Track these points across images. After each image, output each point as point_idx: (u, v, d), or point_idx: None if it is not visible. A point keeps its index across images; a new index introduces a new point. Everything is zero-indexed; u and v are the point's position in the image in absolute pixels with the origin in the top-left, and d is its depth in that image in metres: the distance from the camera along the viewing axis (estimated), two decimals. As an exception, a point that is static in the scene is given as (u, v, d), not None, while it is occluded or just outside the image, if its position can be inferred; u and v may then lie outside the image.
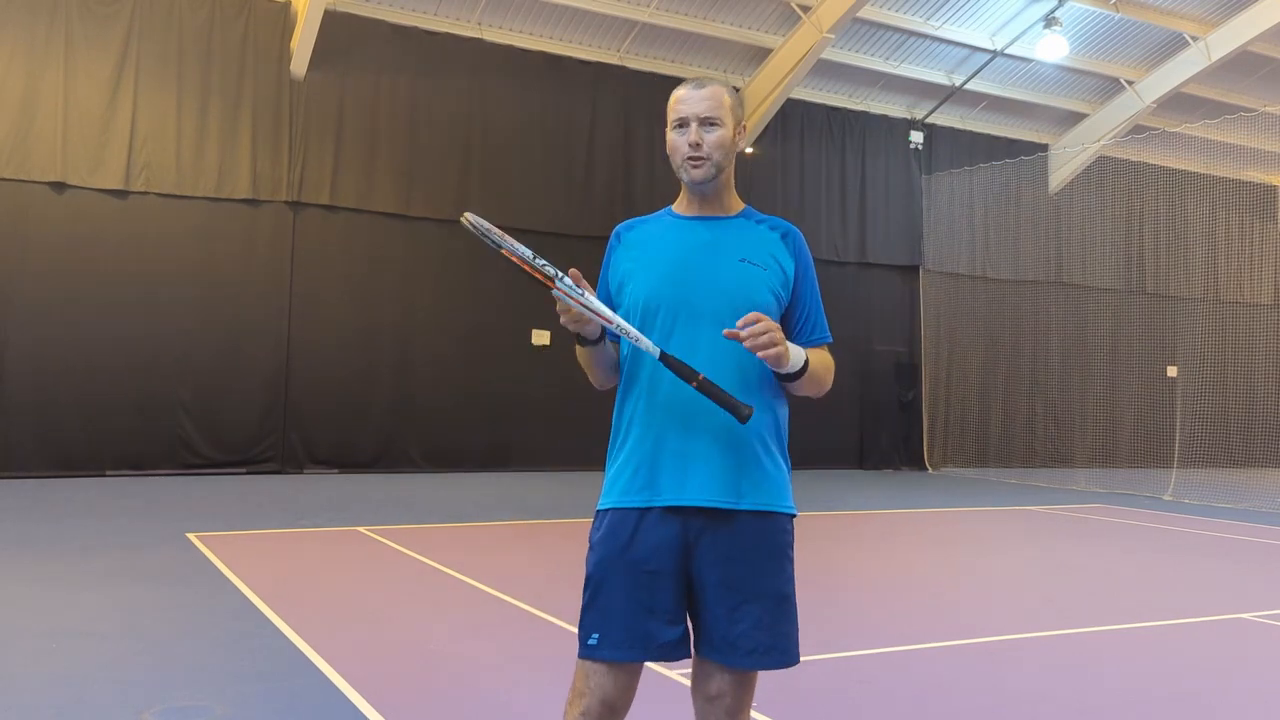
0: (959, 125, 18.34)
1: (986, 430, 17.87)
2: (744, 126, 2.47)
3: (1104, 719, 4.16)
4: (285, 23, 13.34)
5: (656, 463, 2.31)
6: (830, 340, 2.47)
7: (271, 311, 13.17)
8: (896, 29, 16.00)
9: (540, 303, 14.84)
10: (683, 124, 2.39)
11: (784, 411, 2.44)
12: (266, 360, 13.10)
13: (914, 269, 17.86)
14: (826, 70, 16.38)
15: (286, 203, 13.28)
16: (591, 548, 2.38)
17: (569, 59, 15.05)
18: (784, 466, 2.41)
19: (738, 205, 2.50)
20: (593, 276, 2.33)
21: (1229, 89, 18.30)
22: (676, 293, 2.33)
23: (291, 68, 13.24)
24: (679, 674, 4.24)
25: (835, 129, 17.19)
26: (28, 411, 11.84)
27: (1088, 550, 8.85)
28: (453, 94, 14.22)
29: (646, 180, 15.30)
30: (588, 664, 2.30)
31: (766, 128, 16.11)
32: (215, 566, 6.68)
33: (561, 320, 2.26)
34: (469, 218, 2.23)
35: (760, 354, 2.18)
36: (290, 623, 5.21)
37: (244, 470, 12.83)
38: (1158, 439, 17.50)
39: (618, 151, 15.28)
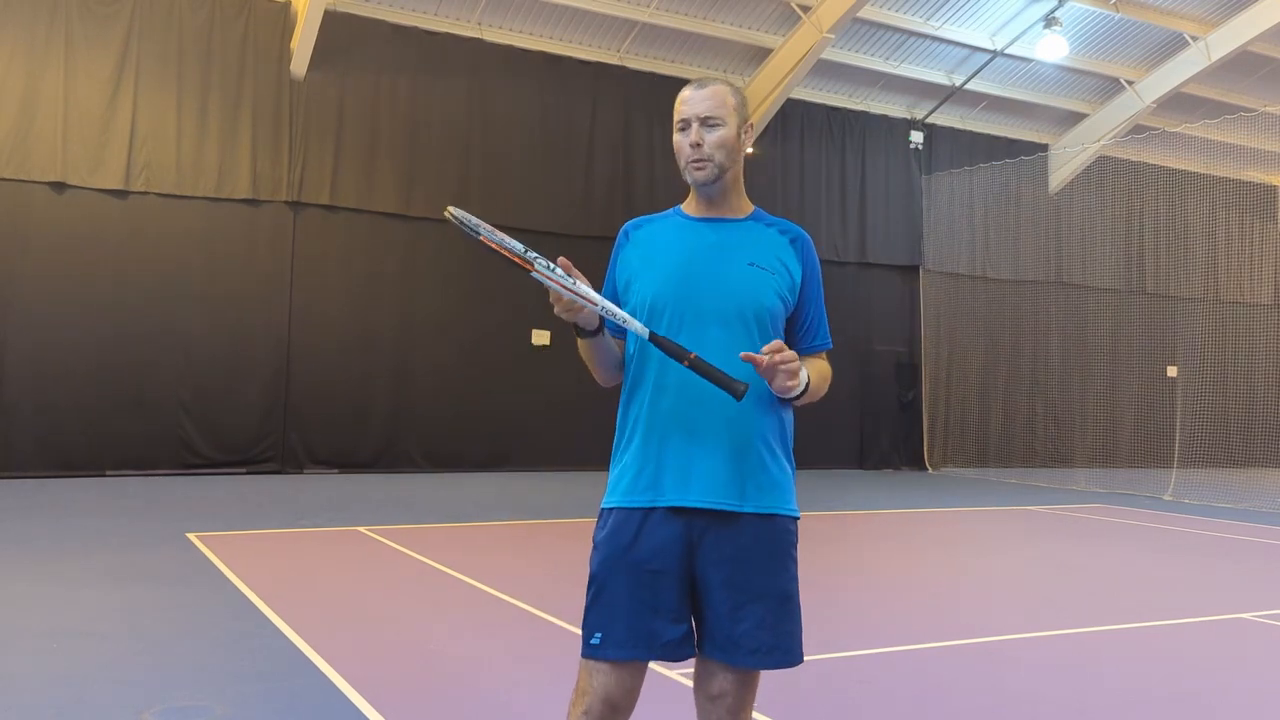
0: (959, 125, 18.34)
1: (986, 430, 17.87)
2: (750, 125, 2.46)
3: (1104, 719, 4.16)
4: (285, 23, 13.34)
5: (661, 463, 2.31)
6: (830, 347, 2.47)
7: (271, 311, 13.17)
8: (896, 29, 16.01)
9: (541, 303, 14.67)
10: (685, 125, 2.39)
11: (789, 415, 2.44)
12: (267, 360, 13.10)
13: (914, 269, 17.86)
14: (826, 70, 16.38)
15: (286, 203, 13.28)
16: (595, 547, 2.38)
17: (569, 59, 15.05)
18: (789, 469, 2.41)
19: (747, 207, 2.48)
20: (592, 275, 2.32)
21: (1229, 89, 18.30)
22: (683, 294, 2.33)
23: (291, 68, 13.24)
24: (680, 674, 4.24)
25: (835, 129, 17.19)
26: (28, 411, 11.85)
27: (1088, 550, 8.85)
28: (453, 94, 14.22)
29: (646, 180, 15.30)
30: (591, 663, 2.30)
31: (766, 128, 16.11)
32: (215, 566, 6.68)
33: (556, 310, 2.24)
34: (452, 211, 2.23)
35: (773, 383, 2.20)
36: (290, 623, 5.21)
37: (244, 470, 12.83)
38: (1158, 439, 17.49)
39: (618, 151, 15.28)
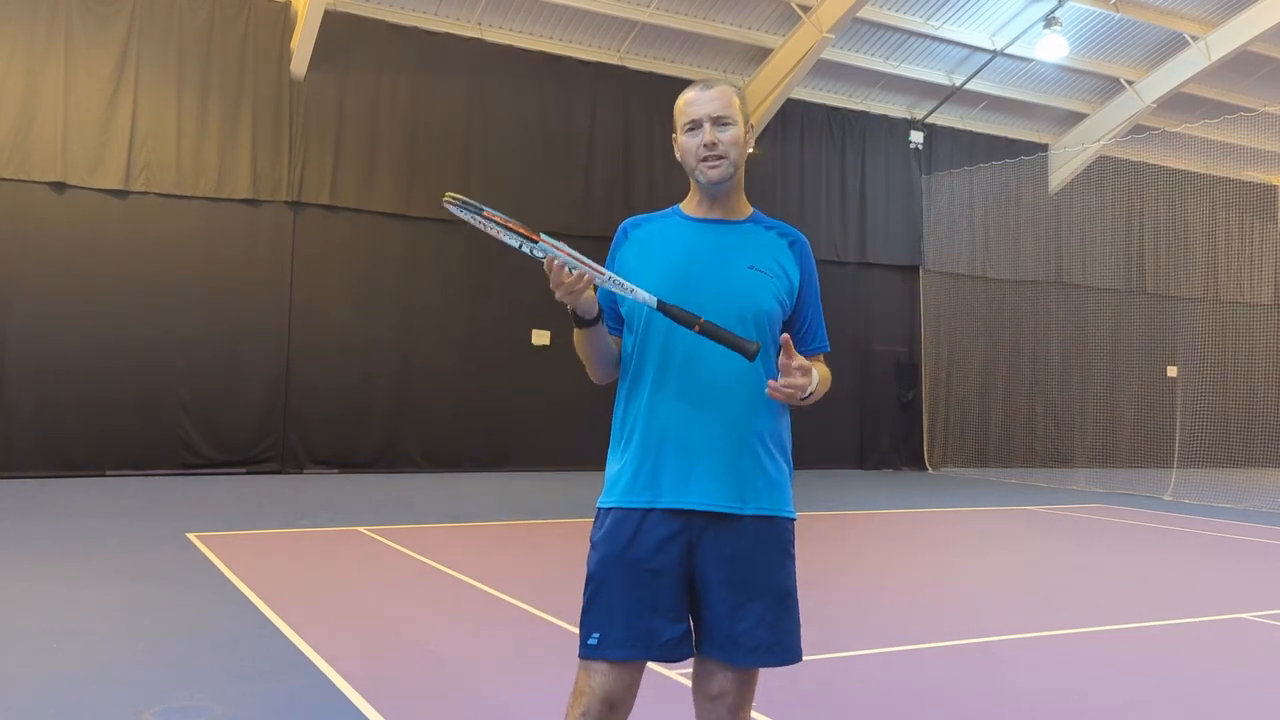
0: (959, 125, 18.34)
1: (986, 430, 17.87)
2: (751, 125, 2.47)
3: (1104, 719, 4.16)
4: (285, 23, 13.34)
5: (660, 464, 2.31)
6: (828, 349, 2.47)
7: (272, 311, 13.17)
8: (896, 29, 16.01)
9: (540, 303, 14.90)
10: (696, 125, 2.38)
11: (786, 416, 2.45)
12: (267, 360, 13.11)
13: (914, 269, 17.86)
14: (826, 70, 16.38)
15: (286, 203, 13.28)
16: (593, 547, 2.38)
17: (569, 59, 15.05)
18: (786, 471, 2.42)
19: (747, 209, 2.49)
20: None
21: (1229, 89, 18.30)
22: (682, 295, 2.32)
23: (291, 68, 13.24)
24: (679, 674, 4.24)
25: (835, 129, 17.19)
26: (28, 411, 11.85)
27: (1088, 550, 8.85)
28: (453, 94, 14.22)
29: (646, 180, 15.30)
30: (589, 664, 2.30)
31: (766, 128, 16.11)
32: (215, 566, 6.68)
33: (558, 295, 2.22)
34: (451, 196, 2.21)
35: (785, 400, 2.22)
36: (290, 623, 5.21)
37: (244, 470, 12.83)
38: (1158, 439, 17.49)
39: (618, 151, 15.29)
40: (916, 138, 17.81)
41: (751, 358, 2.19)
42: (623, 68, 15.43)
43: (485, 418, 14.20)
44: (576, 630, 2.37)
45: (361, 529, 8.60)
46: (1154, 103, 17.67)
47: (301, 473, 13.14)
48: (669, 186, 14.89)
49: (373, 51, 13.78)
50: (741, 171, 2.44)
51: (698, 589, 2.32)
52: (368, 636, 5.06)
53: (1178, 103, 17.99)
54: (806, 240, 2.53)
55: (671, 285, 2.34)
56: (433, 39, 14.17)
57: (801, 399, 2.28)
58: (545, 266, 2.20)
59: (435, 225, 13.92)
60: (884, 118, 17.66)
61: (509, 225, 2.20)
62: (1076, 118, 18.86)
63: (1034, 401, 18.28)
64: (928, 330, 17.80)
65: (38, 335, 11.93)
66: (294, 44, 13.11)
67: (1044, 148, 18.84)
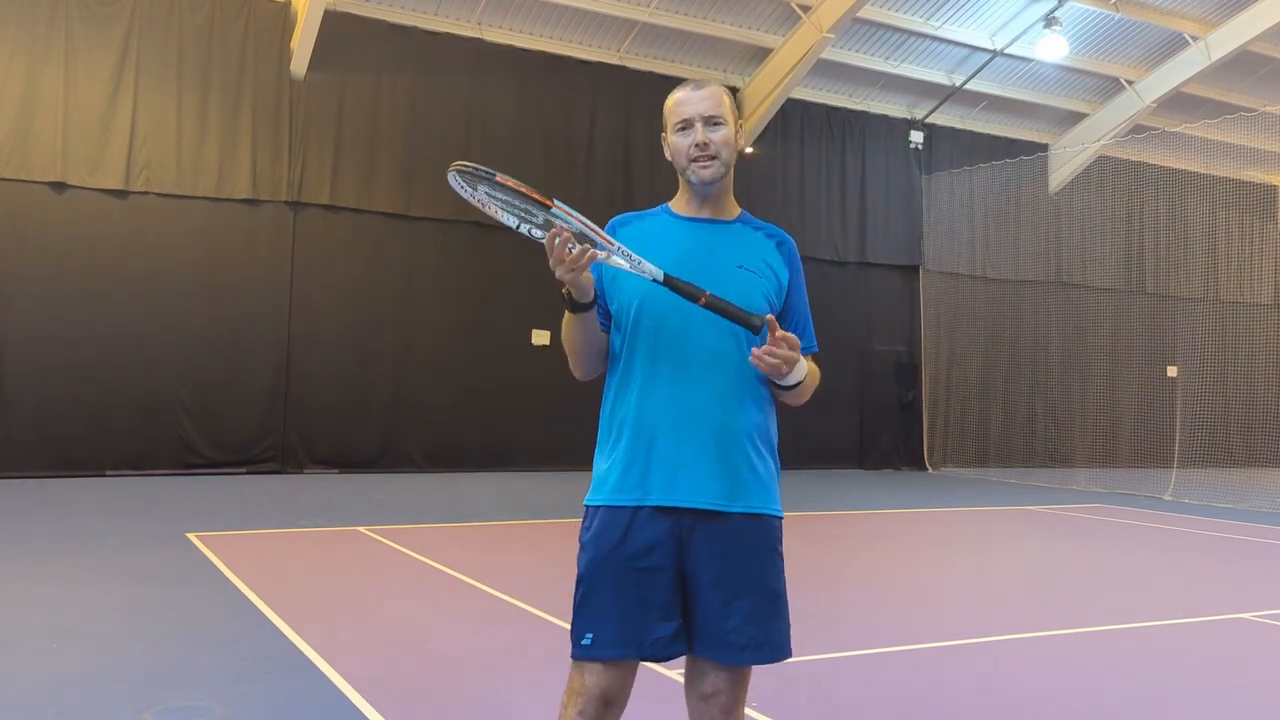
0: (959, 125, 18.34)
1: (986, 430, 17.87)
2: (741, 126, 2.47)
3: (1104, 719, 4.16)
4: (285, 23, 13.34)
5: (649, 462, 2.31)
6: (817, 350, 2.47)
7: (272, 311, 13.17)
8: (896, 29, 16.01)
9: (540, 303, 14.91)
10: (687, 125, 2.39)
11: (773, 414, 2.45)
12: (267, 360, 13.11)
13: (914, 269, 17.86)
14: (826, 70, 16.38)
15: (286, 203, 13.29)
16: (583, 547, 2.38)
17: (569, 59, 15.05)
18: (774, 469, 2.42)
19: (735, 209, 2.50)
20: None
21: (1229, 89, 18.30)
22: (672, 293, 2.33)
23: (291, 68, 13.24)
24: (677, 673, 4.24)
25: (835, 129, 17.19)
26: (28, 411, 11.85)
27: (1088, 550, 8.85)
28: (453, 94, 14.22)
29: (646, 180, 15.30)
30: (583, 664, 2.30)
31: (766, 128, 16.11)
32: (215, 566, 6.68)
33: (558, 273, 2.20)
34: (460, 165, 2.20)
35: (768, 370, 2.20)
36: (290, 623, 5.21)
37: (244, 470, 12.83)
38: (1158, 439, 17.49)
39: (618, 151, 15.29)
40: (916, 138, 17.81)
41: (756, 331, 2.18)
42: (623, 68, 15.42)
43: (485, 418, 14.20)
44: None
45: (361, 529, 8.60)
46: (1154, 103, 17.67)
47: (301, 473, 13.14)
48: (669, 186, 14.72)
49: (373, 51, 13.78)
50: (731, 172, 2.44)
51: (688, 586, 2.32)
52: (368, 636, 5.06)
53: (1178, 103, 17.99)
54: (794, 241, 2.53)
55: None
56: (433, 39, 14.17)
57: (785, 385, 2.29)
58: (546, 244, 2.18)
59: (435, 225, 13.92)
60: (884, 118, 17.66)
61: (522, 190, 2.18)
62: (1076, 118, 18.86)
63: (1034, 401, 18.28)
64: (928, 330, 17.80)
65: (38, 335, 11.93)
66: (294, 44, 13.11)
67: (1044, 148, 18.84)
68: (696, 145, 2.36)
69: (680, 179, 2.45)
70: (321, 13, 12.67)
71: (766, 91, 15.67)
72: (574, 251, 2.17)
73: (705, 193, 2.43)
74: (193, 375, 12.68)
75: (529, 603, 5.88)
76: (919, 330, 17.83)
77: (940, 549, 8.69)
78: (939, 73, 17.23)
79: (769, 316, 2.21)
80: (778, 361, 2.19)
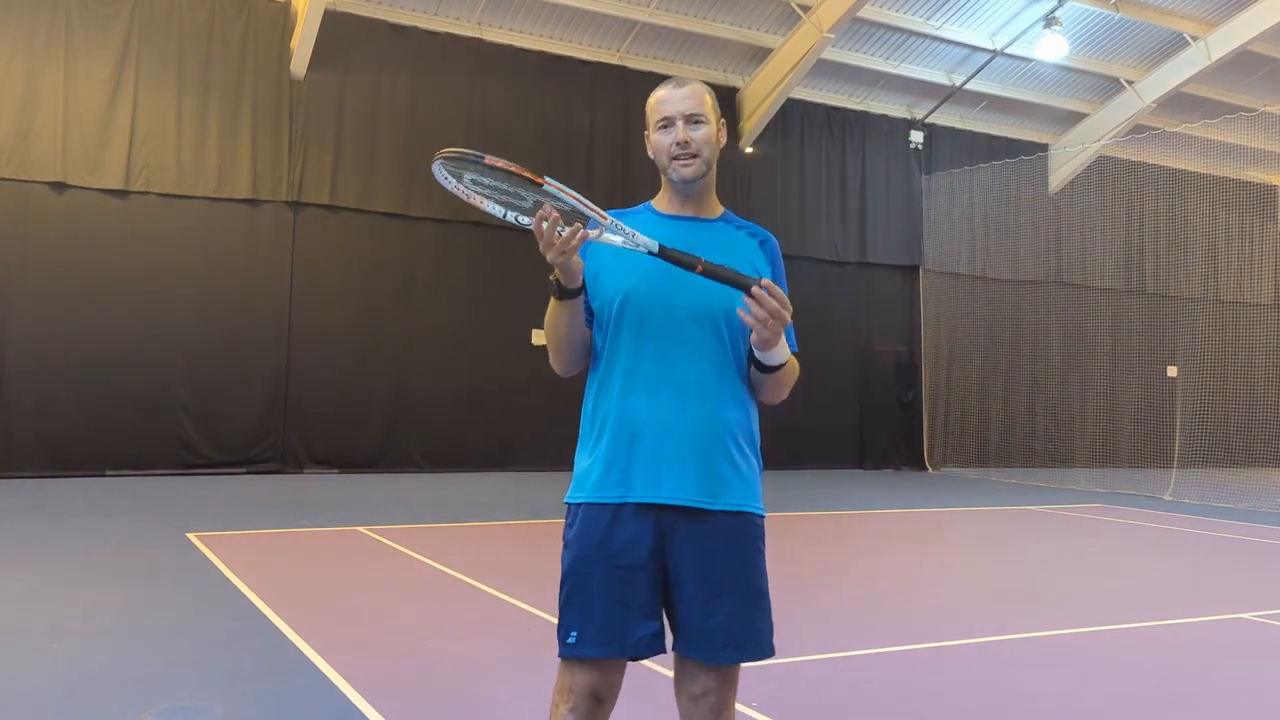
0: (959, 125, 18.34)
1: (986, 430, 17.87)
2: (724, 124, 2.47)
3: (1104, 719, 4.16)
4: (285, 23, 13.34)
5: (632, 459, 2.31)
6: (796, 350, 2.45)
7: (271, 311, 13.17)
8: (896, 29, 16.01)
9: (541, 302, 14.78)
10: (668, 123, 2.39)
11: (755, 411, 2.45)
12: (267, 360, 13.11)
13: (914, 269, 17.86)
14: (826, 70, 16.38)
15: (286, 203, 13.29)
16: (566, 545, 2.38)
17: (569, 59, 15.05)
18: (756, 467, 2.42)
19: (718, 209, 2.50)
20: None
21: (1229, 89, 18.30)
22: (655, 291, 2.33)
23: (291, 68, 13.25)
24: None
25: (835, 129, 17.19)
26: (28, 411, 11.85)
27: (1088, 550, 8.85)
28: (453, 94, 14.22)
29: (646, 180, 15.29)
30: (570, 662, 2.32)
31: (766, 128, 16.11)
32: (215, 566, 6.68)
33: (549, 256, 2.17)
34: (447, 151, 2.16)
35: (758, 326, 2.17)
36: (290, 623, 5.21)
37: (244, 470, 12.83)
38: (1158, 439, 17.50)
39: (617, 151, 15.29)
40: (916, 138, 17.82)
41: (749, 291, 2.16)
42: (623, 68, 15.43)
43: (485, 418, 14.20)
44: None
45: (361, 529, 8.60)
46: (1154, 103, 17.67)
47: (301, 473, 13.14)
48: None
49: (373, 51, 13.79)
50: (713, 170, 2.44)
51: (671, 584, 2.32)
52: (367, 636, 5.05)
53: (1178, 103, 18.00)
54: (776, 240, 2.53)
55: (646, 281, 2.34)
56: (433, 39, 14.17)
57: (769, 364, 2.27)
58: (534, 228, 2.15)
59: (435, 225, 13.93)
60: (884, 118, 17.66)
61: (513, 170, 2.16)
62: (1076, 118, 18.87)
63: (1034, 401, 18.29)
64: (928, 330, 17.80)
65: (38, 335, 11.94)
66: (294, 44, 13.12)
67: (1044, 148, 18.84)
68: (678, 144, 2.37)
69: (662, 177, 2.45)
70: (321, 13, 12.67)
71: (766, 91, 15.67)
72: (564, 233, 2.14)
73: (687, 191, 2.43)
74: (193, 375, 12.68)
75: (529, 602, 5.88)
76: (919, 330, 17.83)
77: (940, 549, 8.69)
78: (939, 73, 17.23)
79: (764, 280, 2.19)
80: (765, 315, 2.16)
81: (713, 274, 2.19)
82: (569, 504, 2.40)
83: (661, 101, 2.41)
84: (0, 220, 11.86)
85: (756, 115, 15.83)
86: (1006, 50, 16.53)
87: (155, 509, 9.44)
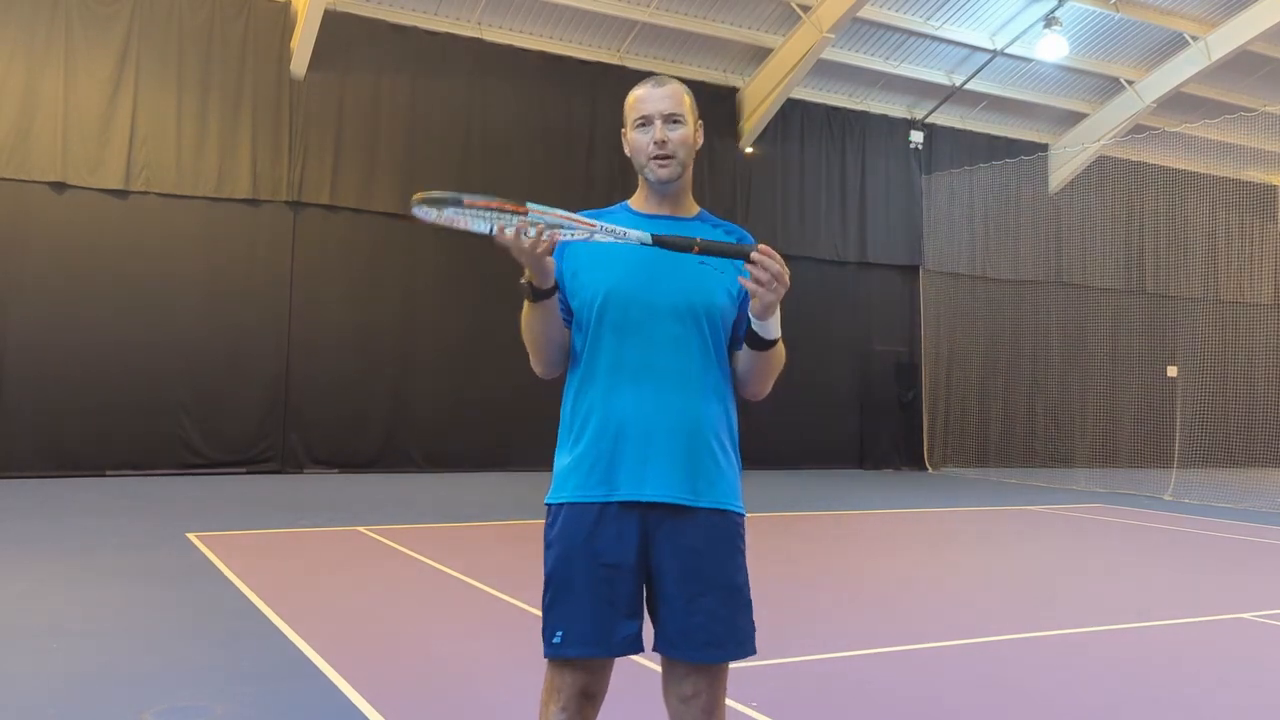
0: (959, 125, 18.34)
1: (986, 430, 17.87)
2: (701, 125, 2.47)
3: (1103, 719, 4.15)
4: (285, 23, 13.34)
5: (615, 458, 2.31)
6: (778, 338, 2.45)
7: (272, 311, 13.17)
8: (896, 29, 16.01)
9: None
10: (646, 122, 2.39)
11: (734, 408, 2.44)
12: (267, 360, 13.11)
13: (914, 269, 17.86)
14: (826, 70, 16.38)
15: (286, 203, 13.29)
16: (548, 545, 2.38)
17: (569, 59, 15.05)
18: (736, 465, 2.42)
19: (694, 208, 2.51)
20: None
21: (1229, 89, 18.30)
22: (636, 288, 2.33)
23: (291, 68, 13.25)
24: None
25: (835, 129, 17.19)
26: (28, 411, 11.85)
27: (1088, 550, 8.85)
28: (453, 94, 14.22)
29: (646, 180, 15.28)
30: (558, 662, 2.32)
31: (766, 128, 16.10)
32: (215, 566, 6.68)
33: (522, 260, 2.17)
34: (421, 196, 2.14)
35: (762, 291, 2.17)
36: (290, 622, 5.21)
37: (244, 470, 12.83)
38: (1158, 439, 17.50)
39: (617, 152, 15.01)
40: (916, 138, 17.82)
41: (748, 258, 2.17)
42: (623, 68, 15.42)
43: (485, 418, 14.19)
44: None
45: (361, 529, 8.60)
46: (1154, 103, 17.67)
47: (301, 473, 13.14)
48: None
49: (373, 51, 13.78)
50: (690, 171, 2.45)
51: (654, 582, 2.32)
52: (368, 636, 5.05)
53: (1178, 103, 17.99)
54: (752, 238, 2.54)
55: (626, 279, 2.34)
56: (433, 39, 14.17)
57: (767, 337, 2.27)
58: (498, 240, 2.14)
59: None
60: (884, 118, 17.66)
61: (492, 206, 2.15)
62: (1076, 118, 18.87)
63: (1034, 401, 18.29)
64: (928, 330, 17.80)
65: (38, 335, 11.93)
66: (294, 44, 13.12)
67: (1044, 148, 18.84)
68: (655, 143, 2.37)
69: (639, 176, 2.46)
70: (321, 13, 12.67)
71: (766, 91, 15.67)
72: (531, 235, 2.14)
73: (663, 191, 2.43)
74: (193, 375, 12.68)
75: (528, 602, 5.88)
76: (919, 330, 17.83)
77: (940, 549, 8.69)
78: (939, 73, 17.23)
79: (761, 245, 2.19)
80: (769, 277, 2.16)
81: (710, 250, 2.20)
82: (550, 504, 2.40)
83: (640, 100, 2.41)
84: (0, 220, 11.86)
85: (756, 115, 15.82)
86: (1006, 50, 16.53)
87: (155, 509, 9.44)
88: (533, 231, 2.14)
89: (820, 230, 16.73)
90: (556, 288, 2.32)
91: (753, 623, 2.37)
